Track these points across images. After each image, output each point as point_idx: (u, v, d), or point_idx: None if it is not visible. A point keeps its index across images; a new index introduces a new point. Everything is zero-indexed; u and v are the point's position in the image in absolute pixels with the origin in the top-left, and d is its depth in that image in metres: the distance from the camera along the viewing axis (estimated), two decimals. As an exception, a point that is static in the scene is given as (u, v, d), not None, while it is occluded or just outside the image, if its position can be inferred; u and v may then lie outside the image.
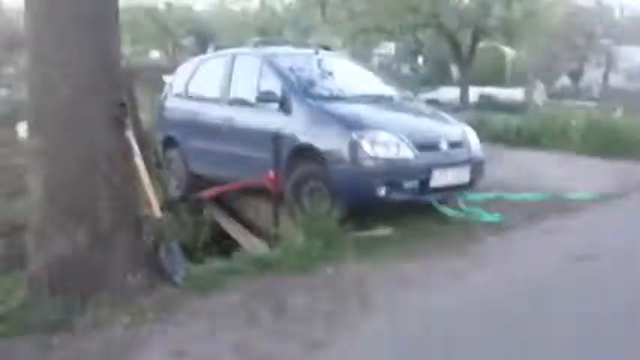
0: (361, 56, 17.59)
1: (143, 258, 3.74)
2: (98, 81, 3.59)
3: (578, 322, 3.41)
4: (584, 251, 4.68)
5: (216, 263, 4.28)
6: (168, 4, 33.06)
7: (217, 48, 7.71)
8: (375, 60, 21.29)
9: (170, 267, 3.83)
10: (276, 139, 5.49)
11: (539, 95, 18.77)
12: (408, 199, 5.16)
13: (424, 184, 5.16)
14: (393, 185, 5.02)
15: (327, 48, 7.40)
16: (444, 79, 20.84)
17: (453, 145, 5.52)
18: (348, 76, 6.60)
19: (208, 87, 6.82)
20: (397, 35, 15.69)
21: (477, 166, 5.61)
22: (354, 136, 5.04)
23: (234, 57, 6.65)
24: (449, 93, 17.35)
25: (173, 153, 7.22)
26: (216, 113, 6.47)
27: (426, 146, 5.29)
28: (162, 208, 4.24)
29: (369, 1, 13.83)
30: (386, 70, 18.17)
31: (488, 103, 15.11)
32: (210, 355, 3.07)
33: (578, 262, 4.45)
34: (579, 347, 3.13)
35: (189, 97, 7.15)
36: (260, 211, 6.30)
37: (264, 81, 5.93)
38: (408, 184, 5.10)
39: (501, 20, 13.79)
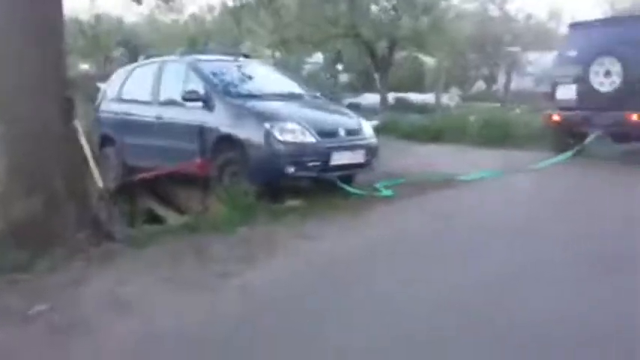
0: (291, 65, 18.69)
1: (90, 220, 4.64)
2: (50, 80, 4.49)
3: (423, 254, 4.58)
4: (450, 212, 5.90)
5: (151, 228, 5.20)
6: (97, 17, 33.25)
7: (147, 57, 8.63)
8: (306, 68, 22.47)
9: (112, 227, 4.74)
10: (201, 131, 6.51)
11: (452, 98, 20.41)
12: (312, 176, 6.31)
13: (325, 163, 6.29)
14: (299, 164, 6.13)
15: (246, 56, 8.51)
16: (369, 85, 22.21)
17: (350, 132, 6.69)
18: (264, 79, 7.72)
19: (140, 91, 7.79)
20: (318, 45, 16.90)
21: (370, 150, 6.79)
22: (267, 125, 6.12)
23: (162, 64, 7.66)
24: (371, 98, 18.72)
25: (109, 150, 8.09)
26: (148, 112, 7.41)
27: (327, 133, 6.43)
28: (101, 196, 5.14)
29: (291, 14, 14.94)
30: (314, 78, 19.28)
31: (402, 106, 16.53)
32: (147, 283, 4.01)
33: (441, 219, 5.64)
34: (419, 265, 4.27)
35: (123, 100, 8.06)
36: (190, 195, 7.24)
37: (189, 84, 6.92)
38: (312, 163, 6.21)
39: (411, 31, 15.20)
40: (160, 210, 7.52)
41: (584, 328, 3.19)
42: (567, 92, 8.92)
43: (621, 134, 8.64)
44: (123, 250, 4.59)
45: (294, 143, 6.12)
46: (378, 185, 6.92)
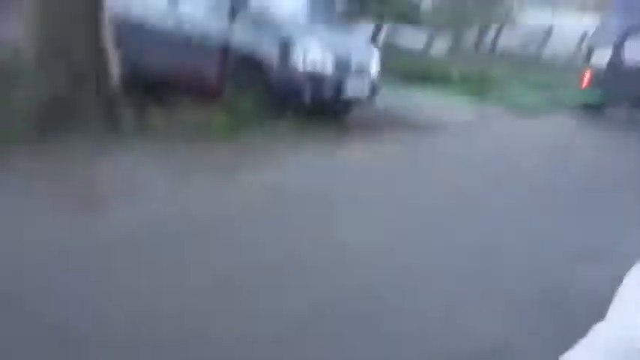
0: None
1: (107, 101, 5.13)
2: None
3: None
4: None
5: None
6: None
7: None
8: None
9: (123, 117, 5.26)
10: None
11: (441, 48, 20.77)
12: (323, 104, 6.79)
13: (337, 94, 6.83)
14: (316, 93, 6.59)
15: None
16: (365, 15, 22.09)
17: (361, 65, 7.18)
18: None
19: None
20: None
21: (374, 85, 7.38)
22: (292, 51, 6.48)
23: None
24: (366, 29, 18.86)
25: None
26: (164, 21, 7.23)
27: (342, 64, 6.84)
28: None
29: None
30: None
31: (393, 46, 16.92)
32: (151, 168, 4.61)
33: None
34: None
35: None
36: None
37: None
38: (326, 94, 6.71)
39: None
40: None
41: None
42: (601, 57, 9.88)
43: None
44: (131, 140, 5.10)
45: (314, 73, 6.53)
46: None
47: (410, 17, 25.76)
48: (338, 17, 9.70)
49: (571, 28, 22.86)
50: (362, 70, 7.12)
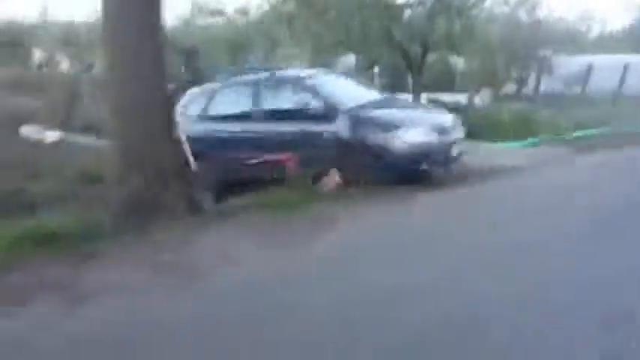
0: (326, 66, 19.48)
1: (187, 195, 5.60)
2: (157, 69, 5.47)
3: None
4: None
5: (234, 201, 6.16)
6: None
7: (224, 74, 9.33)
8: (338, 70, 23.22)
9: (203, 203, 5.69)
10: (321, 140, 7.29)
11: (483, 98, 21.12)
12: (438, 169, 7.27)
13: (446, 157, 7.28)
14: (431, 161, 7.07)
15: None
16: (402, 86, 22.94)
17: (451, 128, 7.59)
18: (348, 88, 8.45)
19: (235, 108, 8.29)
20: (354, 49, 17.74)
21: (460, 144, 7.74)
22: (397, 132, 7.04)
23: (258, 83, 8.19)
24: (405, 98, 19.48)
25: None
26: (252, 127, 7.95)
27: (440, 131, 7.30)
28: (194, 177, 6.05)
29: (327, 21, 15.82)
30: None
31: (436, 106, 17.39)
32: (241, 243, 4.94)
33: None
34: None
35: (214, 118, 8.41)
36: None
37: (302, 99, 7.60)
38: (438, 158, 7.17)
39: (444, 34, 15.98)
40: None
41: None
42: None
43: None
44: (214, 219, 5.53)
45: (423, 144, 7.03)
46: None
47: (447, 83, 26.40)
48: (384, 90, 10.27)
49: (610, 63, 22.94)
50: (454, 132, 7.57)
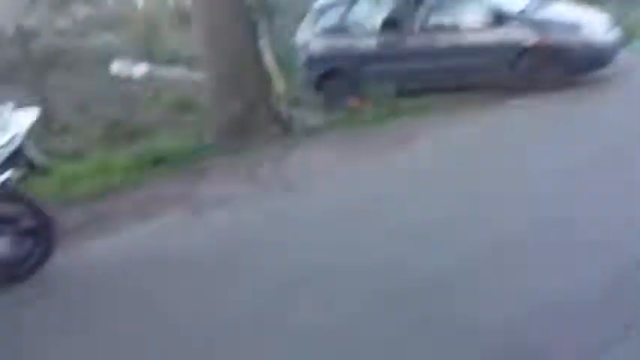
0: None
1: (275, 117, 6.15)
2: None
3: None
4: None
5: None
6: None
7: None
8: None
9: (291, 123, 6.23)
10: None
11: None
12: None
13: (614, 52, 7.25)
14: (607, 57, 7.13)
15: None
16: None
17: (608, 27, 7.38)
18: None
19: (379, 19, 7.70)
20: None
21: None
22: (583, 29, 7.14)
23: None
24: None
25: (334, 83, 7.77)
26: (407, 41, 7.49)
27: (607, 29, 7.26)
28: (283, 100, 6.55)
29: None
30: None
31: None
32: (327, 157, 5.47)
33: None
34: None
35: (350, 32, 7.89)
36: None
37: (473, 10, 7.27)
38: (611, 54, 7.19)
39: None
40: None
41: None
42: None
43: None
44: (301, 139, 6.08)
45: (604, 41, 7.14)
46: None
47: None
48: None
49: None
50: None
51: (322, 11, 8.00)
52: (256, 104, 6.00)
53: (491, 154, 5.07)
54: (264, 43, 6.16)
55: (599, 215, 3.46)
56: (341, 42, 7.80)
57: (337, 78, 7.71)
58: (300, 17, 8.27)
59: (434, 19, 7.49)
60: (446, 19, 7.50)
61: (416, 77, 7.40)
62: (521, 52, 7.00)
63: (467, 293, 2.78)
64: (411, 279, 2.94)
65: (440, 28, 7.47)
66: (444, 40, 7.38)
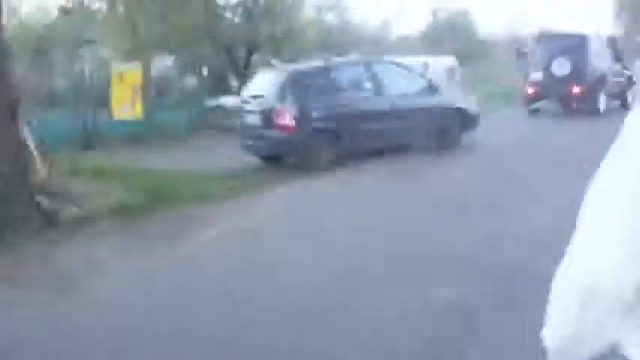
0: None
1: (36, 208, 5.37)
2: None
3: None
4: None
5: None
6: None
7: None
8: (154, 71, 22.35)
9: (57, 215, 5.51)
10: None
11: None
12: None
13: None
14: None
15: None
16: (224, 88, 22.92)
17: None
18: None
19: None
20: (176, 51, 17.61)
21: None
22: None
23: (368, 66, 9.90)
24: (231, 100, 19.51)
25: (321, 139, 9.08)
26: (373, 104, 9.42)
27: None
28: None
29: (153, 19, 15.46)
30: (166, 81, 19.57)
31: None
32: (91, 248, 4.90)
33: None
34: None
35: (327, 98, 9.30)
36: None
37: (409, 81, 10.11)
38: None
39: (268, 37, 16.60)
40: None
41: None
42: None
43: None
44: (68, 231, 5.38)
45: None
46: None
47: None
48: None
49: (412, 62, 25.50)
50: None
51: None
52: (11, 197, 5.20)
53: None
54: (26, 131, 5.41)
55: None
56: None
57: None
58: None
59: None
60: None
61: None
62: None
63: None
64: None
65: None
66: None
